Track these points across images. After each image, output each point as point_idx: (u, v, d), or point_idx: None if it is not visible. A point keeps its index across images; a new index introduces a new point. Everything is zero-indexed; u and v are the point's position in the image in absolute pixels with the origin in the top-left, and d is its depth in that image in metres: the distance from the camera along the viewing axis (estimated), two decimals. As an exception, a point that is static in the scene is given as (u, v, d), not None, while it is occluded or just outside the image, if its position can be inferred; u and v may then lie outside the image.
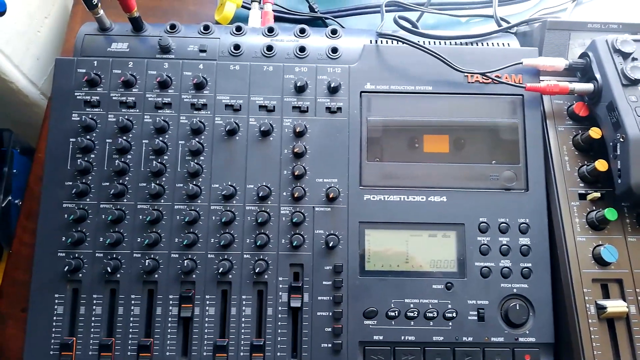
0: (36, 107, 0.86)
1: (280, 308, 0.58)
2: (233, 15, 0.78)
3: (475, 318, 0.59)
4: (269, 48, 0.64)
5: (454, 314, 0.59)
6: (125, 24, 0.66)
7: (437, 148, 0.64)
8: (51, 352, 0.56)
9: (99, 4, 0.62)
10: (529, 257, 0.60)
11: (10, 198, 0.83)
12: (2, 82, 0.78)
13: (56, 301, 0.57)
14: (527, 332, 0.59)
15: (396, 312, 0.58)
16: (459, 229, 0.61)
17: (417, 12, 0.78)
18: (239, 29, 0.66)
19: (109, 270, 0.57)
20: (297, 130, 0.61)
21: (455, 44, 0.68)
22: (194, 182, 0.60)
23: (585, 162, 0.62)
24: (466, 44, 0.68)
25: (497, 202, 0.62)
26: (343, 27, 0.80)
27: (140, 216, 0.59)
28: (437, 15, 0.81)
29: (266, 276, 0.59)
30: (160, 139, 0.61)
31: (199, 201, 0.60)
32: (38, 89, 0.85)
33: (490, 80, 0.63)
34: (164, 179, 0.60)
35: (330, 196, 0.60)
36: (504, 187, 0.62)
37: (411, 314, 0.58)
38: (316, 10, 0.81)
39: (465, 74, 0.64)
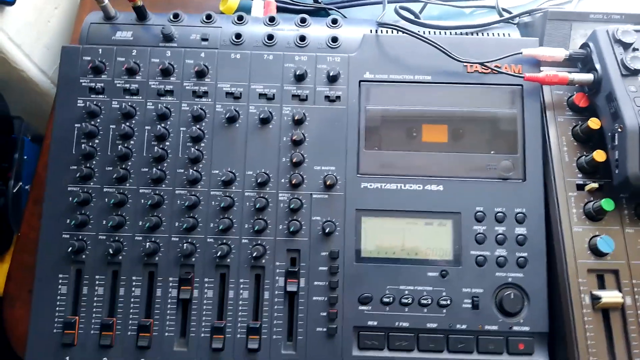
0: (47, 96, 0.88)
1: (276, 292, 0.59)
2: (237, 6, 0.79)
3: (470, 306, 0.59)
4: (270, 37, 0.65)
5: (449, 302, 0.59)
6: (130, 13, 0.67)
7: (436, 138, 0.64)
8: (54, 331, 0.58)
9: (105, -6, 0.63)
10: (525, 247, 0.61)
11: (21, 184, 0.85)
12: (13, 71, 0.80)
13: (60, 281, 0.59)
14: (522, 321, 0.59)
15: (391, 298, 0.59)
16: (455, 217, 0.61)
17: (421, 4, 0.78)
18: (240, 18, 0.67)
19: (111, 252, 0.58)
20: (296, 119, 0.62)
21: (456, 34, 0.68)
22: (195, 168, 0.62)
23: (584, 153, 0.62)
24: (467, 34, 0.68)
25: (494, 192, 0.62)
26: (345, 18, 0.80)
27: (142, 200, 0.61)
28: (441, 6, 0.81)
29: (264, 261, 0.60)
30: (162, 125, 0.62)
31: (199, 186, 0.61)
32: (48, 78, 0.87)
33: (489, 70, 0.64)
34: (165, 164, 0.62)
35: (328, 183, 0.61)
36: (501, 176, 0.62)
37: (406, 301, 0.59)
38: (319, 1, 0.81)
39: (465, 64, 0.64)
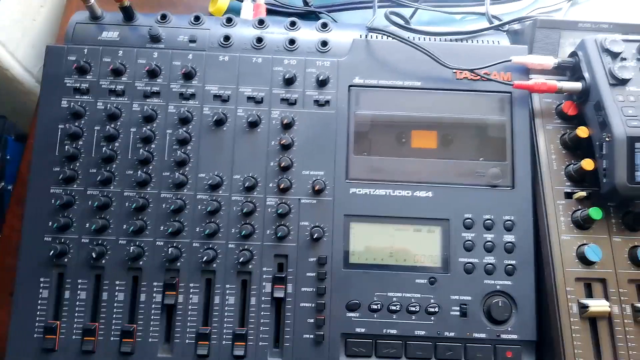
0: (31, 95, 0.86)
1: (263, 298, 0.58)
2: (227, 8, 0.78)
3: (458, 313, 0.59)
4: (259, 40, 0.65)
5: (437, 309, 0.59)
6: (117, 13, 0.66)
7: (425, 144, 0.64)
8: (35, 335, 0.56)
9: (91, -6, 0.62)
10: (513, 255, 0.60)
11: (3, 184, 0.83)
12: (-3, 69, 0.78)
13: (41, 285, 0.57)
14: (510, 329, 0.59)
15: (379, 305, 0.59)
16: (444, 224, 0.61)
17: (411, 9, 0.78)
18: (229, 20, 0.66)
19: (94, 256, 0.57)
20: (285, 122, 0.61)
21: (446, 40, 0.67)
22: (181, 171, 0.61)
23: (572, 161, 0.62)
24: (457, 41, 0.68)
25: (483, 199, 0.62)
26: (335, 22, 0.80)
27: (127, 203, 0.60)
28: (432, 12, 0.80)
29: (250, 266, 0.59)
30: (148, 127, 0.61)
31: (185, 190, 0.60)
32: (33, 77, 0.85)
33: (479, 77, 0.63)
34: (150, 167, 0.61)
35: (316, 188, 0.60)
36: (490, 184, 0.62)
37: (394, 308, 0.59)
38: (310, 4, 0.81)
39: (455, 71, 0.64)
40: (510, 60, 0.63)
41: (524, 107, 0.64)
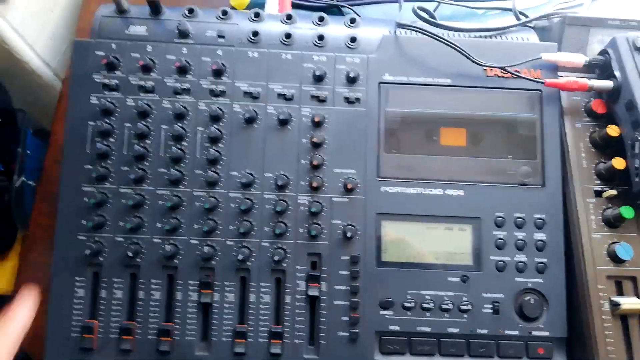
0: (49, 88, 0.85)
1: (298, 296, 0.59)
2: (249, 1, 0.78)
3: (490, 311, 0.60)
4: (288, 36, 0.64)
5: (469, 307, 0.59)
6: (143, 6, 0.65)
7: (455, 141, 0.64)
8: (72, 335, 0.56)
9: (119, -13, 0.61)
10: (544, 253, 0.61)
11: (23, 179, 0.82)
12: (16, 62, 0.77)
13: (77, 284, 0.57)
14: (541, 326, 0.60)
15: (412, 303, 0.59)
16: (476, 222, 0.61)
17: (434, 3, 0.77)
18: (257, 15, 0.65)
19: (129, 255, 0.57)
20: (316, 120, 0.61)
21: (474, 36, 0.67)
22: (213, 169, 0.60)
23: (602, 160, 0.62)
24: (485, 37, 0.67)
25: (514, 197, 0.62)
26: (359, 16, 0.79)
27: (160, 202, 0.59)
28: (454, 6, 0.80)
29: (284, 264, 0.59)
30: (179, 124, 0.61)
31: (217, 188, 0.60)
32: (51, 70, 0.84)
33: (509, 74, 0.63)
34: (183, 165, 0.60)
35: (348, 187, 0.60)
36: (520, 182, 0.62)
37: (427, 306, 0.59)
38: (333, -2, 0.80)
39: (484, 68, 0.63)
40: (540, 58, 0.63)
41: (554, 105, 0.64)
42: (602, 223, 0.61)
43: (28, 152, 0.83)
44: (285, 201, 0.60)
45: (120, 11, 0.64)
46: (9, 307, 0.48)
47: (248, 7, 0.78)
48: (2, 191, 0.78)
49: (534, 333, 0.60)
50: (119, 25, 0.63)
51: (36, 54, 0.79)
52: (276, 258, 0.58)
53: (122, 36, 0.63)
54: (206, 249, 0.58)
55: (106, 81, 0.61)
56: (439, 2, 0.77)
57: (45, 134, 0.91)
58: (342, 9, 0.80)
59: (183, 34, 0.63)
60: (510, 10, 0.74)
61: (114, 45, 0.62)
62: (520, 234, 0.61)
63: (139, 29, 0.63)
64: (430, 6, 0.77)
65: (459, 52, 0.62)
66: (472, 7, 0.77)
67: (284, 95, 0.62)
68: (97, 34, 0.63)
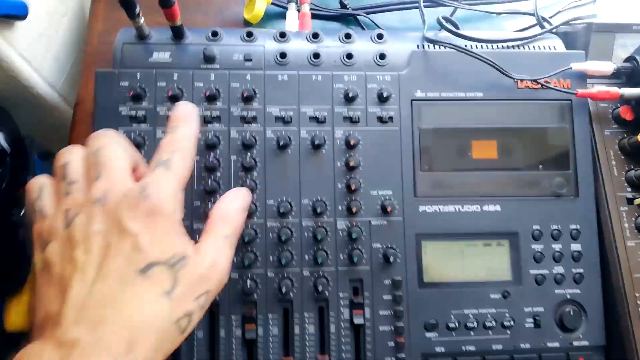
0: (55, 110, 0.82)
1: (342, 324, 0.58)
2: (263, 13, 0.75)
3: (532, 325, 0.60)
4: (316, 56, 0.62)
5: (512, 322, 0.60)
6: (161, 29, 0.62)
7: (486, 154, 0.63)
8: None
9: (141, 13, 0.58)
10: (581, 263, 0.62)
11: (34, 207, 0.80)
12: (22, 88, 0.74)
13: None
14: (581, 335, 0.60)
15: (456, 323, 0.59)
16: (513, 237, 0.62)
17: (454, 9, 0.76)
18: (282, 35, 0.63)
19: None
20: (352, 143, 0.60)
21: (499, 47, 0.66)
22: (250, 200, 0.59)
23: (632, 167, 0.63)
24: (511, 47, 0.67)
25: (549, 209, 0.62)
26: (375, 24, 0.78)
27: (197, 236, 0.58)
28: (467, 10, 0.79)
29: (327, 293, 0.58)
30: (212, 155, 0.59)
31: (255, 218, 0.59)
32: (57, 91, 0.81)
33: (539, 85, 0.63)
34: (217, 197, 0.59)
35: (388, 210, 0.59)
36: (554, 193, 0.63)
37: (471, 325, 0.59)
38: (347, 6, 0.78)
39: (516, 80, 0.63)
40: (571, 68, 0.63)
41: (584, 114, 0.64)
42: (636, 230, 0.62)
43: (38, 178, 0.80)
44: (324, 227, 0.59)
45: (142, 37, 0.61)
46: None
47: (263, 20, 0.76)
48: (15, 225, 0.76)
49: (575, 343, 0.60)
50: (141, 52, 0.61)
51: (42, 77, 0.76)
52: (320, 288, 0.58)
53: (146, 64, 0.60)
54: (249, 283, 0.57)
55: (133, 113, 0.59)
56: (455, 7, 0.76)
57: (50, 156, 0.88)
58: (358, 17, 0.78)
59: (209, 59, 0.61)
60: (527, 14, 0.73)
61: (138, 75, 0.59)
62: (556, 246, 0.62)
63: (162, 56, 0.61)
64: (447, 11, 0.76)
65: (492, 66, 0.61)
66: (491, 12, 0.76)
67: (317, 117, 0.61)
68: (120, 63, 0.60)
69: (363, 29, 0.79)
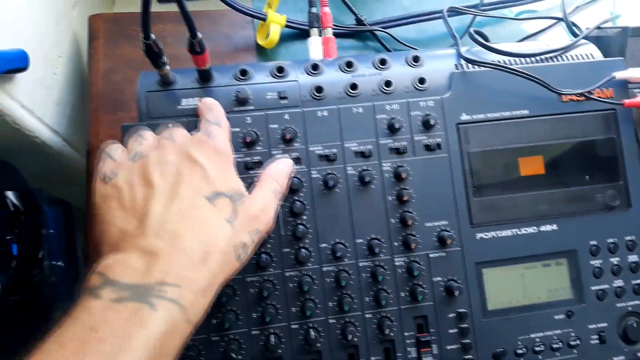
0: (59, 156, 0.77)
1: (411, 364, 0.56)
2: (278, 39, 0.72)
3: (597, 342, 0.59)
4: (354, 87, 0.59)
5: (578, 341, 0.59)
6: (185, 70, 0.58)
7: (534, 170, 0.62)
8: None
9: (167, 61, 0.54)
10: (639, 274, 0.61)
11: (53, 262, 0.75)
12: (27, 139, 0.69)
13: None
14: (644, 346, 0.60)
15: (524, 349, 0.58)
16: (571, 255, 0.60)
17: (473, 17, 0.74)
18: (315, 67, 0.60)
19: (231, 355, 0.53)
20: (402, 176, 0.57)
21: (537, 60, 0.64)
22: (301, 245, 0.56)
23: (677, 171, 0.62)
24: (547, 60, 0.65)
25: (604, 223, 0.61)
26: (395, 39, 0.75)
27: (251, 290, 0.55)
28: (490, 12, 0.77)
29: (391, 333, 0.56)
30: (258, 203, 0.55)
31: (309, 264, 0.56)
32: (60, 137, 0.76)
33: (584, 98, 0.61)
34: (268, 246, 0.56)
35: (447, 242, 0.57)
36: (607, 206, 0.62)
37: (538, 349, 0.58)
38: (364, 22, 0.75)
39: (561, 94, 0.61)
40: (614, 78, 0.61)
41: (629, 122, 0.63)
42: (688, 237, 0.61)
43: (52, 231, 0.76)
44: (381, 266, 0.57)
45: (166, 83, 0.57)
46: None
47: (277, 45, 0.72)
48: (39, 285, 0.71)
49: (639, 354, 0.60)
50: (168, 100, 0.57)
51: (45, 124, 0.71)
52: (384, 329, 0.55)
53: (175, 112, 0.56)
54: (312, 333, 0.54)
55: (169, 167, 0.54)
56: (475, 14, 0.74)
57: (57, 202, 0.83)
58: (377, 33, 0.75)
59: (242, 102, 0.57)
60: (556, 18, 0.71)
61: (170, 126, 0.55)
62: (614, 259, 0.61)
63: (191, 102, 0.57)
64: (467, 19, 0.74)
65: (537, 82, 0.60)
66: (514, 18, 0.74)
67: (362, 152, 0.58)
68: (147, 114, 0.56)
69: (381, 44, 0.75)
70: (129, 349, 0.34)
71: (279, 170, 0.54)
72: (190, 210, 0.43)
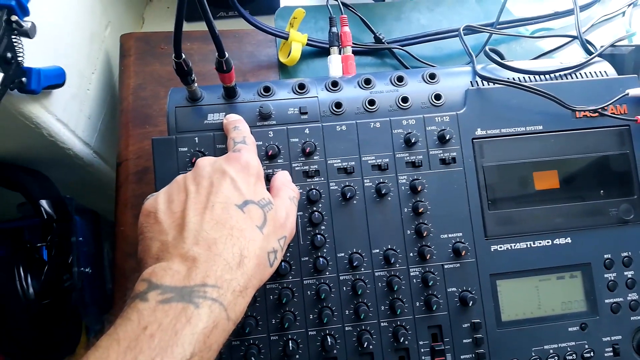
0: (90, 167, 0.81)
1: (426, 373, 0.58)
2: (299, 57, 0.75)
3: (611, 354, 0.60)
4: (371, 102, 0.62)
5: (591, 354, 0.60)
6: (211, 87, 0.61)
7: (549, 184, 0.63)
8: None
9: (195, 78, 0.57)
10: (653, 287, 0.62)
11: (82, 268, 0.78)
12: (60, 151, 0.73)
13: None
14: (659, 359, 0.61)
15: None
16: (586, 268, 0.61)
17: (489, 35, 0.76)
18: (335, 84, 0.63)
19: (247, 358, 0.55)
20: (418, 189, 0.59)
21: (551, 77, 0.66)
22: (319, 254, 0.58)
23: (691, 185, 0.63)
24: (561, 76, 0.66)
25: (618, 236, 0.62)
26: (413, 56, 0.78)
27: (271, 296, 0.57)
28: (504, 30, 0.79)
29: (406, 342, 0.58)
30: (279, 213, 0.58)
31: (327, 273, 0.58)
32: (91, 149, 0.79)
33: (597, 114, 0.63)
34: (288, 254, 0.58)
35: (462, 253, 0.59)
36: (621, 220, 0.62)
37: (552, 360, 0.59)
38: (383, 40, 0.77)
39: (574, 110, 0.63)
40: (627, 94, 0.62)
41: (640, 137, 0.64)
42: (702, 250, 0.62)
43: (81, 239, 0.79)
44: (397, 276, 0.59)
45: (194, 99, 0.60)
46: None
47: (299, 63, 0.75)
48: (68, 290, 0.74)
49: (654, 368, 0.60)
50: (196, 115, 0.60)
51: (78, 137, 0.75)
52: (399, 338, 0.57)
53: (202, 126, 0.59)
54: (329, 339, 0.56)
55: (195, 178, 0.57)
56: (491, 33, 0.76)
57: (86, 211, 0.86)
58: (394, 50, 0.77)
59: (265, 117, 0.60)
60: (570, 36, 0.73)
61: (197, 139, 0.58)
62: (629, 273, 0.62)
63: (218, 117, 0.60)
64: (483, 37, 0.76)
65: (551, 99, 0.61)
66: (530, 37, 0.76)
67: (379, 165, 0.60)
68: (175, 129, 0.59)
69: (399, 61, 0.78)
70: (176, 343, 0.37)
71: (287, 179, 0.57)
72: (223, 217, 0.46)
